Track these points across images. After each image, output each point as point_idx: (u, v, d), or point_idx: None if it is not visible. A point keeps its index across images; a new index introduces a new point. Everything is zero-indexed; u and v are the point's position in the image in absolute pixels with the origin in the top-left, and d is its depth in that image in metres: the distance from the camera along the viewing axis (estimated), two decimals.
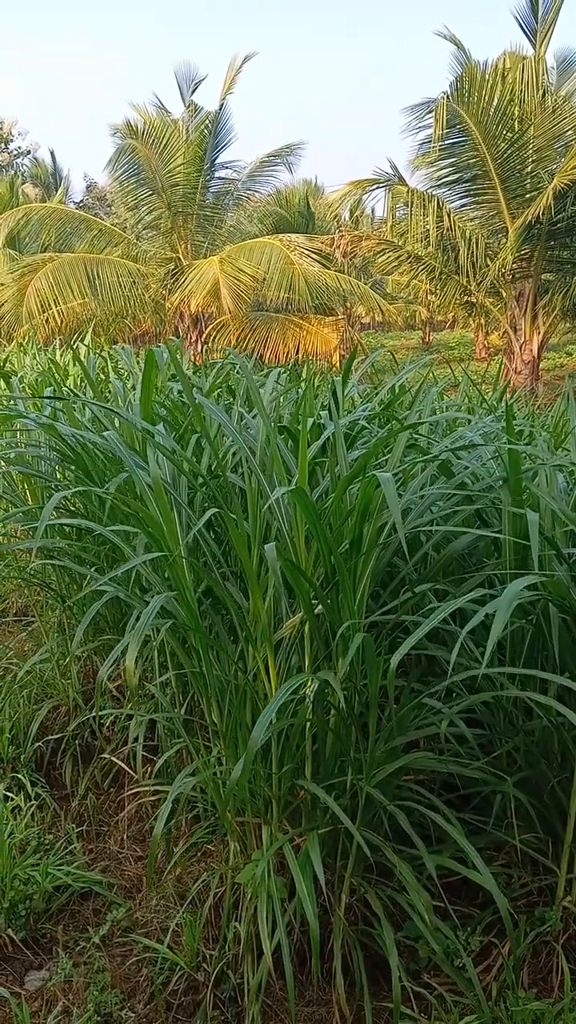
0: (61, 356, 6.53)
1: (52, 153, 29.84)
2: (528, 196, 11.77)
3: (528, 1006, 1.90)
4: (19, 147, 34.28)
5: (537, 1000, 1.93)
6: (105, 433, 2.66)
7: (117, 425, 2.87)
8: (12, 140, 34.05)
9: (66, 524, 3.20)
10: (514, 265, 12.03)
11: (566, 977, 1.97)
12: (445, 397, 3.97)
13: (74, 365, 5.74)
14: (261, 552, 2.02)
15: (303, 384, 3.44)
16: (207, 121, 14.17)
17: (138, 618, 1.92)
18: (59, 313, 13.14)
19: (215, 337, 14.50)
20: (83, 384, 4.81)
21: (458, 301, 13.41)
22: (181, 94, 14.48)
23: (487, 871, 1.90)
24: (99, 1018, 2.05)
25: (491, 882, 1.88)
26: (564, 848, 2.05)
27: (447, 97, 11.26)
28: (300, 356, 13.47)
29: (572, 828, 2.03)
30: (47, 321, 13.10)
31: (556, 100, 12.10)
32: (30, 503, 3.77)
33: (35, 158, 31.16)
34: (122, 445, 2.46)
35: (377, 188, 12.73)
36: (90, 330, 7.68)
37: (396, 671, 1.75)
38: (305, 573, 1.93)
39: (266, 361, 13.17)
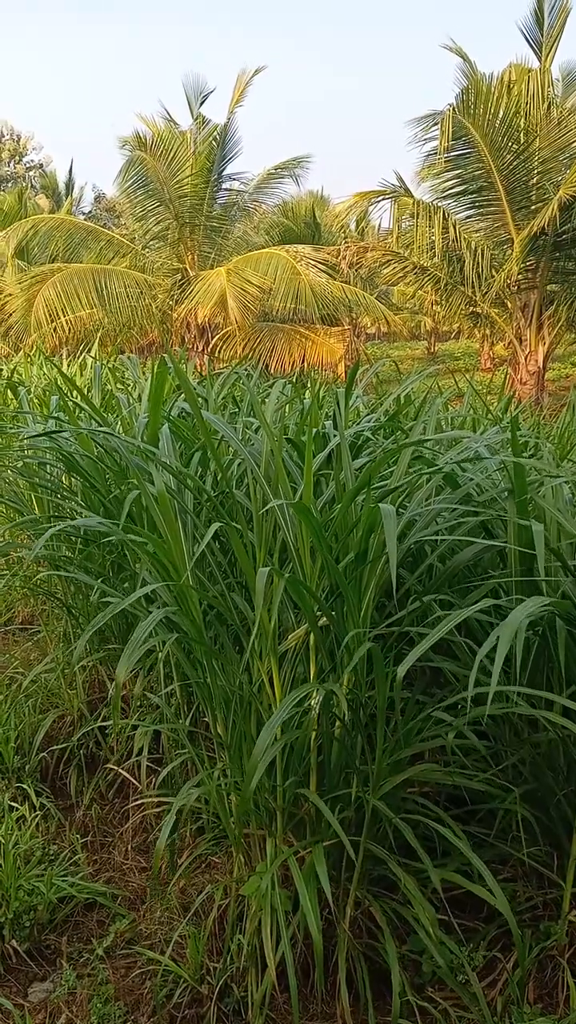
0: (68, 367, 6.58)
1: (63, 165, 30.15)
2: (533, 207, 11.81)
3: (533, 1021, 1.89)
4: (32, 160, 34.71)
5: (542, 1016, 1.92)
6: (113, 442, 2.68)
7: (120, 430, 2.88)
8: (27, 154, 34.51)
9: (72, 534, 3.21)
10: (519, 276, 12.05)
11: (572, 992, 1.96)
12: (450, 408, 3.97)
13: (80, 375, 5.77)
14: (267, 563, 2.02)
15: (307, 395, 3.45)
16: (215, 133, 14.25)
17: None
18: (67, 323, 13.21)
19: (222, 347, 14.53)
20: (89, 393, 4.83)
21: (463, 312, 13.45)
22: (189, 106, 14.55)
23: (497, 888, 1.88)
24: None
25: (502, 899, 1.87)
26: (570, 861, 2.03)
27: (453, 109, 11.31)
28: (306, 366, 13.49)
29: None
30: (55, 331, 13.17)
31: (561, 112, 12.14)
32: (36, 513, 3.79)
33: (45, 171, 31.45)
34: (128, 452, 2.47)
35: (383, 199, 12.77)
36: (96, 340, 7.70)
37: (400, 683, 1.75)
38: (309, 587, 1.94)
39: (272, 371, 13.19)
